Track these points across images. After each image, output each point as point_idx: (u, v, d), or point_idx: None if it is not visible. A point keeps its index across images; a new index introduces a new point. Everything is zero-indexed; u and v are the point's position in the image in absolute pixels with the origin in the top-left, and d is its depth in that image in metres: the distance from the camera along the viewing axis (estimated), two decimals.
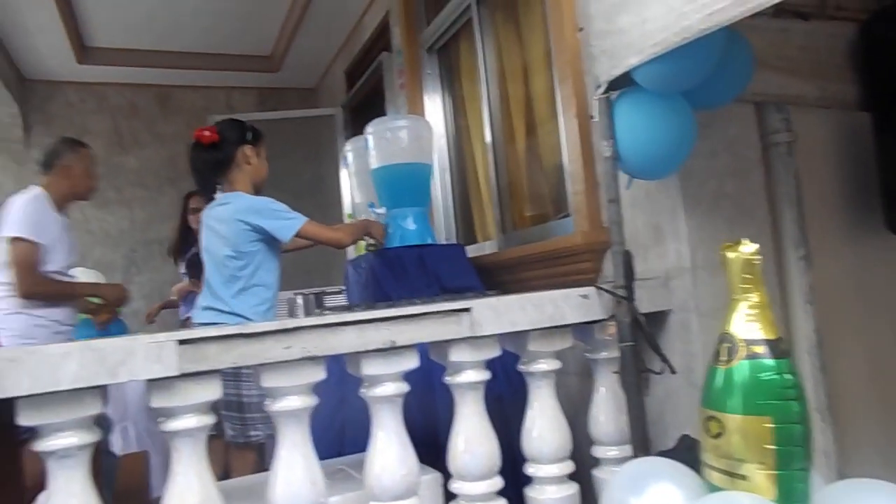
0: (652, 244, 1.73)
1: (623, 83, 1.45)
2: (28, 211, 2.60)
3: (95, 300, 2.96)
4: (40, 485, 1.16)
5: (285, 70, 4.95)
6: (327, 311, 2.62)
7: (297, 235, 2.21)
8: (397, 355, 1.36)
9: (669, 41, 1.21)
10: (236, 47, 4.72)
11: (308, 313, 3.12)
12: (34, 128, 4.63)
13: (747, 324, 1.06)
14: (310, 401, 1.31)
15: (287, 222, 2.20)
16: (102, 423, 1.36)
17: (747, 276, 1.07)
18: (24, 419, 1.07)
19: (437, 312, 1.38)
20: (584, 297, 1.54)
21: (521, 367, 1.60)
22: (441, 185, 3.19)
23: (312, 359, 1.28)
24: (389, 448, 1.37)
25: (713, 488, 1.07)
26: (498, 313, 1.45)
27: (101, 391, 1.14)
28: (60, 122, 4.69)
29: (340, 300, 3.13)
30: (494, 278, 2.45)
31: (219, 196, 2.37)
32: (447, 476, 1.52)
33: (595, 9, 1.49)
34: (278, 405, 1.29)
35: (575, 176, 2.07)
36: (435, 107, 3.28)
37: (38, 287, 2.59)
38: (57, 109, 4.73)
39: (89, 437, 1.14)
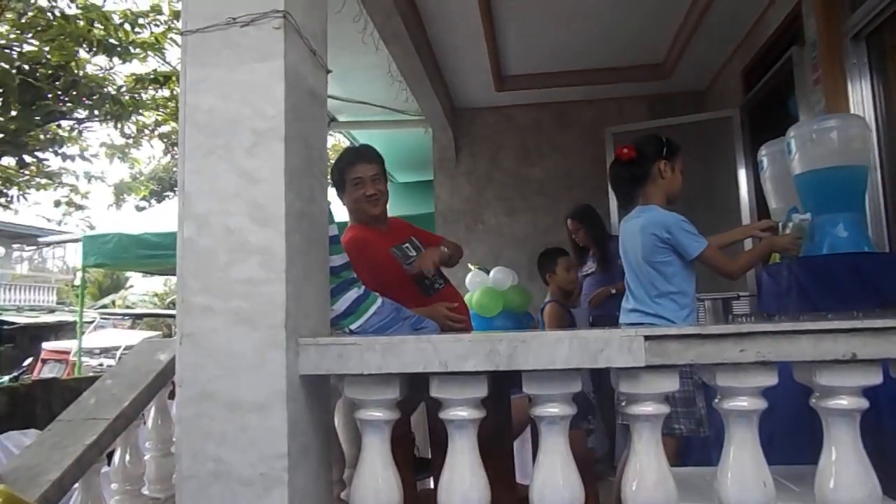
0: None
1: None
2: None
3: None
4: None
5: (676, 76, 4.97)
6: (739, 318, 2.59)
7: (698, 258, 2.26)
8: (857, 369, 1.32)
9: None
10: (627, 60, 4.92)
11: (716, 319, 3.11)
12: (462, 148, 5.56)
13: None
14: (760, 403, 1.36)
15: (693, 243, 2.27)
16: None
17: None
18: (528, 388, 1.36)
19: None
20: None
21: None
22: (871, 187, 2.85)
23: (765, 363, 1.32)
24: (846, 465, 1.33)
25: None
26: None
27: (582, 373, 1.37)
28: (480, 143, 5.55)
29: (747, 307, 3.04)
30: None
31: (636, 209, 2.54)
32: None
33: None
34: (729, 404, 1.36)
35: None
36: (861, 100, 2.94)
37: None
38: (478, 131, 5.60)
39: (570, 410, 1.38)
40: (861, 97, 2.93)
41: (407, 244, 2.40)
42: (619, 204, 2.66)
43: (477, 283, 4.34)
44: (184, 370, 1.35)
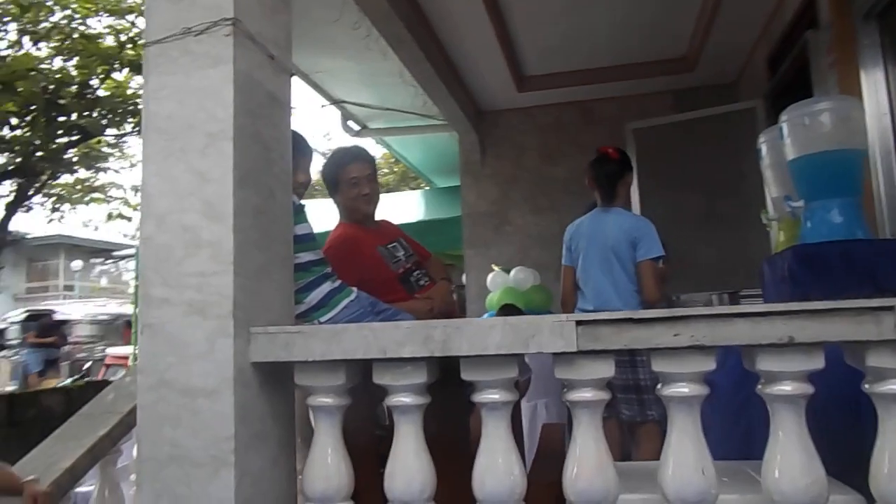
0: None
1: None
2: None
3: None
4: None
5: (701, 68, 4.85)
6: None
7: (650, 259, 2.37)
8: (797, 352, 1.28)
9: None
10: (649, 54, 4.84)
11: None
12: (488, 150, 5.59)
13: None
14: (700, 389, 1.34)
15: (654, 248, 2.37)
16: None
17: None
18: (465, 374, 1.38)
19: (848, 309, 1.25)
20: None
21: None
22: (884, 172, 2.73)
23: (702, 348, 1.31)
24: (790, 452, 1.30)
25: None
26: None
27: (518, 359, 1.39)
28: (504, 144, 5.56)
29: (758, 301, 2.96)
30: None
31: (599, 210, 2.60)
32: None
33: None
34: (668, 391, 1.35)
35: None
36: (874, 82, 2.83)
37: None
38: (501, 133, 5.62)
39: (509, 396, 1.40)
40: (874, 78, 2.81)
41: (394, 244, 2.47)
42: (602, 199, 2.69)
43: (498, 284, 4.36)
44: (144, 359, 1.44)
